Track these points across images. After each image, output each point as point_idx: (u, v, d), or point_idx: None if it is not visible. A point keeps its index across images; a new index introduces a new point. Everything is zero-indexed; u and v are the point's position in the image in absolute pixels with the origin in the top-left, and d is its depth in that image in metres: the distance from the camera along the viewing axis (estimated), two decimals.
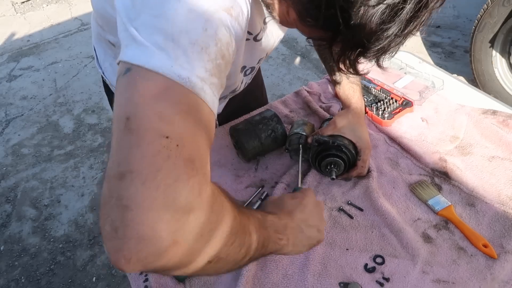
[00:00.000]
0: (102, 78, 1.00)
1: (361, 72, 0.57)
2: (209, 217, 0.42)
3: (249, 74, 0.84)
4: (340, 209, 0.86)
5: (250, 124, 0.98)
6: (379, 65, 0.55)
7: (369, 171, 0.94)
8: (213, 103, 0.46)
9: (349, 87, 0.98)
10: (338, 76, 0.99)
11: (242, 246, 0.50)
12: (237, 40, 0.50)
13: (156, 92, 0.41)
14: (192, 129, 0.42)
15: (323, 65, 1.07)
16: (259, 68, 1.12)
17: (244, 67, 0.79)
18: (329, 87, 1.22)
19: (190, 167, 0.40)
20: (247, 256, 0.52)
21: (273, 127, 0.97)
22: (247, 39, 0.67)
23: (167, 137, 0.39)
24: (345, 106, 0.99)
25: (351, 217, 0.85)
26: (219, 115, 1.10)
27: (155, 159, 0.38)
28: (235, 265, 0.51)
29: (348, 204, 0.88)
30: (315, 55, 3.14)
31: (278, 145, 1.00)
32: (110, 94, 1.05)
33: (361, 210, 0.86)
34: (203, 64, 0.43)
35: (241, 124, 1.00)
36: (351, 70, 0.55)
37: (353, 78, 0.98)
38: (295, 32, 0.68)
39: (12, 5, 4.41)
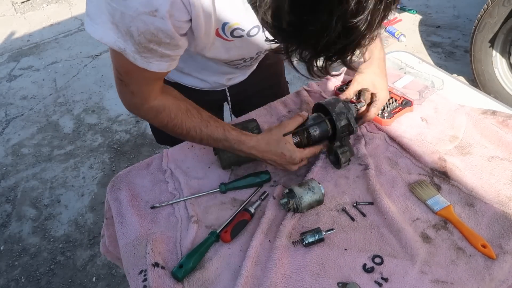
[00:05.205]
0: None
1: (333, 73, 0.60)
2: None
3: (249, 61, 0.98)
4: (343, 210, 0.87)
5: None
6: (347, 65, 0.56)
7: (367, 168, 0.94)
8: (142, 63, 0.72)
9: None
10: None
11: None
12: (176, 27, 0.68)
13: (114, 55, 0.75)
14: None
15: None
16: (282, 63, 1.24)
17: (242, 57, 0.93)
18: (329, 86, 1.22)
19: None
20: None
21: None
22: (241, 36, 0.79)
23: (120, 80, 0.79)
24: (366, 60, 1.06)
25: (353, 219, 0.85)
26: (234, 88, 1.14)
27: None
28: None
29: (354, 206, 0.88)
30: None
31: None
32: None
33: (364, 216, 0.86)
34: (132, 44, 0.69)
35: None
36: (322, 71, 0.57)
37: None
38: None
39: (12, 5, 4.42)
